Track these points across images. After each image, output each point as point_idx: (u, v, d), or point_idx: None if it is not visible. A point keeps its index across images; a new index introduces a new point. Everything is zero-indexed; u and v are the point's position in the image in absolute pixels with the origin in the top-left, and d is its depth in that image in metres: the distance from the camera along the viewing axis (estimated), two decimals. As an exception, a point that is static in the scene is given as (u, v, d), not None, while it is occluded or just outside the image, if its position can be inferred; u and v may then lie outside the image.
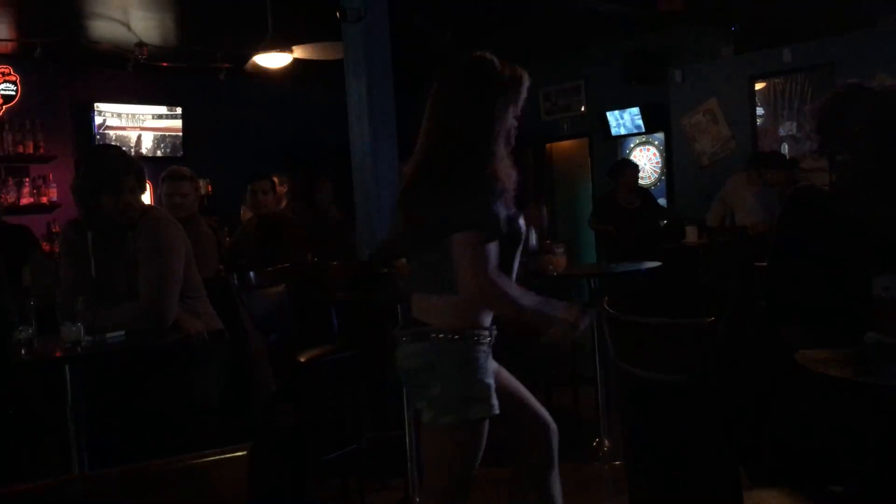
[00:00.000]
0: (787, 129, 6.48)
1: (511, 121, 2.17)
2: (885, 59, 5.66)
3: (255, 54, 5.88)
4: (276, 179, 5.61)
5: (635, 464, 1.82)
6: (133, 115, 8.15)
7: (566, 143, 9.26)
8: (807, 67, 6.28)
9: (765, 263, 2.33)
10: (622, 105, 8.23)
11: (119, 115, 8.06)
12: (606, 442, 4.05)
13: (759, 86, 6.69)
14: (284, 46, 5.80)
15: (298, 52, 5.85)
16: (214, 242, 4.20)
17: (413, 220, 2.17)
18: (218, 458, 1.11)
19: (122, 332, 2.67)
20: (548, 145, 9.29)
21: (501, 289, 2.07)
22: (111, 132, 7.97)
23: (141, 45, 6.95)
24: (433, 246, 2.12)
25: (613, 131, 8.38)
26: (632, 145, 8.56)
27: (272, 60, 5.92)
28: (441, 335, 2.11)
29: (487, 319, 2.18)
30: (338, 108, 5.72)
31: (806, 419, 1.94)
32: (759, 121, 6.73)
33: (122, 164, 2.91)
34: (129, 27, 6.60)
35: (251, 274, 4.18)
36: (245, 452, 1.12)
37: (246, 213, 6.24)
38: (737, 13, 6.86)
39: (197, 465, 1.11)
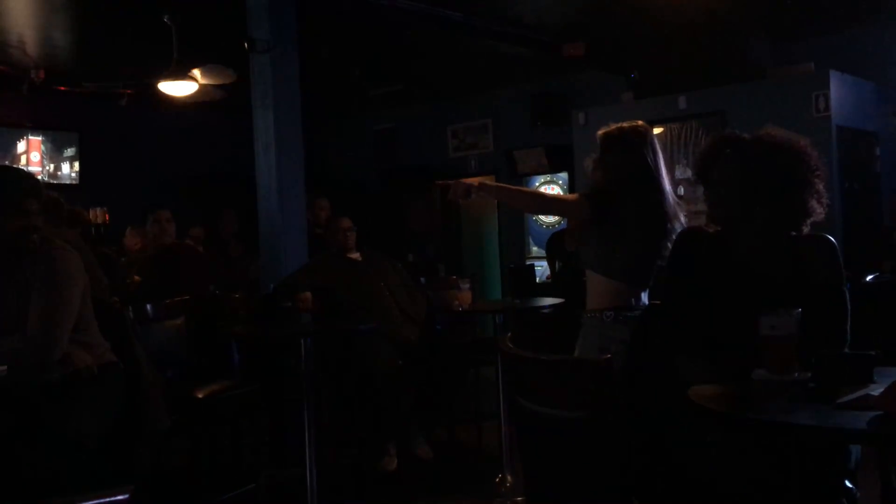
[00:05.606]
0: (682, 172, 6.74)
1: None
2: (773, 108, 5.99)
3: (158, 81, 5.73)
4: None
5: (536, 500, 1.83)
6: (27, 140, 7.80)
7: (473, 180, 9.35)
8: (700, 114, 6.57)
9: (658, 301, 2.41)
10: (528, 144, 8.41)
11: (11, 138, 7.70)
12: (509, 478, 4.07)
13: (656, 130, 6.95)
14: (190, 74, 5.68)
15: (199, 77, 5.73)
16: (100, 272, 4.03)
17: None
18: (96, 501, 1.02)
19: (5, 367, 2.53)
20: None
21: None
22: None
23: (37, 67, 6.67)
24: None
25: (520, 170, 8.56)
26: (536, 184, 8.74)
27: (177, 88, 5.79)
28: None
29: None
30: (243, 137, 5.62)
31: (696, 453, 2.00)
32: (656, 164, 6.99)
33: (28, 185, 2.78)
34: (24, 50, 6.33)
35: (148, 306, 4.03)
36: (127, 496, 1.04)
37: (134, 241, 5.98)
38: (635, 61, 7.16)
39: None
